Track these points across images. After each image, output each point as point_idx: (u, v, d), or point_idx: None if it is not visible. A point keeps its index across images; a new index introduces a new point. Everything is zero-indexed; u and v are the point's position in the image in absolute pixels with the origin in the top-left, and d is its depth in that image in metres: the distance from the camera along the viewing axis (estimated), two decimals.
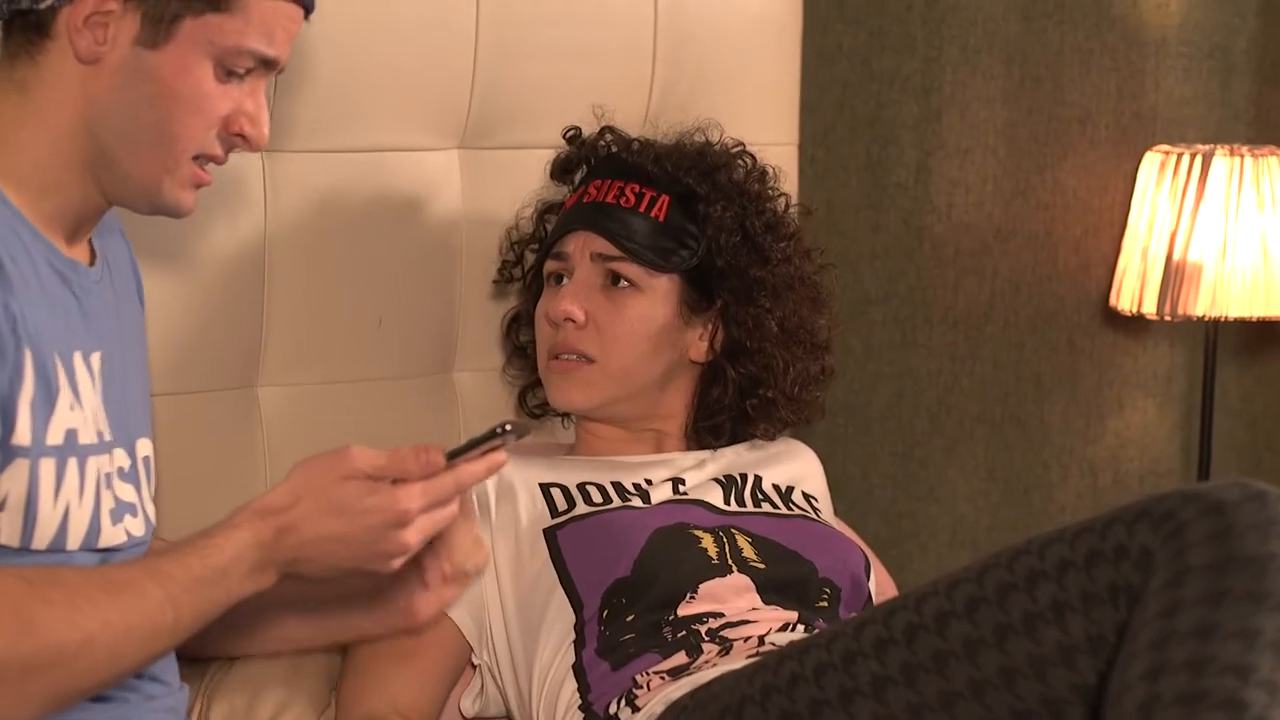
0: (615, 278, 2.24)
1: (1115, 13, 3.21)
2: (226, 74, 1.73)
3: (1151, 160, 3.07)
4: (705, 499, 2.22)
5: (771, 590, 2.13)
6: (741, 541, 2.16)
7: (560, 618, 2.09)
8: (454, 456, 1.72)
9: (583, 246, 2.25)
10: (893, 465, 3.23)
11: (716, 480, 2.26)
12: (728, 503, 2.23)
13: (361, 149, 2.36)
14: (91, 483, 1.69)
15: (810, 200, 2.80)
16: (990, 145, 3.18)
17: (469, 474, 1.73)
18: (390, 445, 2.29)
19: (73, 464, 1.67)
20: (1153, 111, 3.24)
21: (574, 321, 2.23)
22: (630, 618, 2.08)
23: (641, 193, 2.27)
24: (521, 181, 2.44)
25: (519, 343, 2.41)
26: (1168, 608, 1.69)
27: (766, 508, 2.26)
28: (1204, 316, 2.99)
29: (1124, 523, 1.77)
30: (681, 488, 2.24)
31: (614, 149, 2.33)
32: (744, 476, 2.28)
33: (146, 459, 1.80)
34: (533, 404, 2.41)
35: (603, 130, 2.36)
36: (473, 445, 1.72)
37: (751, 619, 2.08)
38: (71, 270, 1.71)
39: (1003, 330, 3.23)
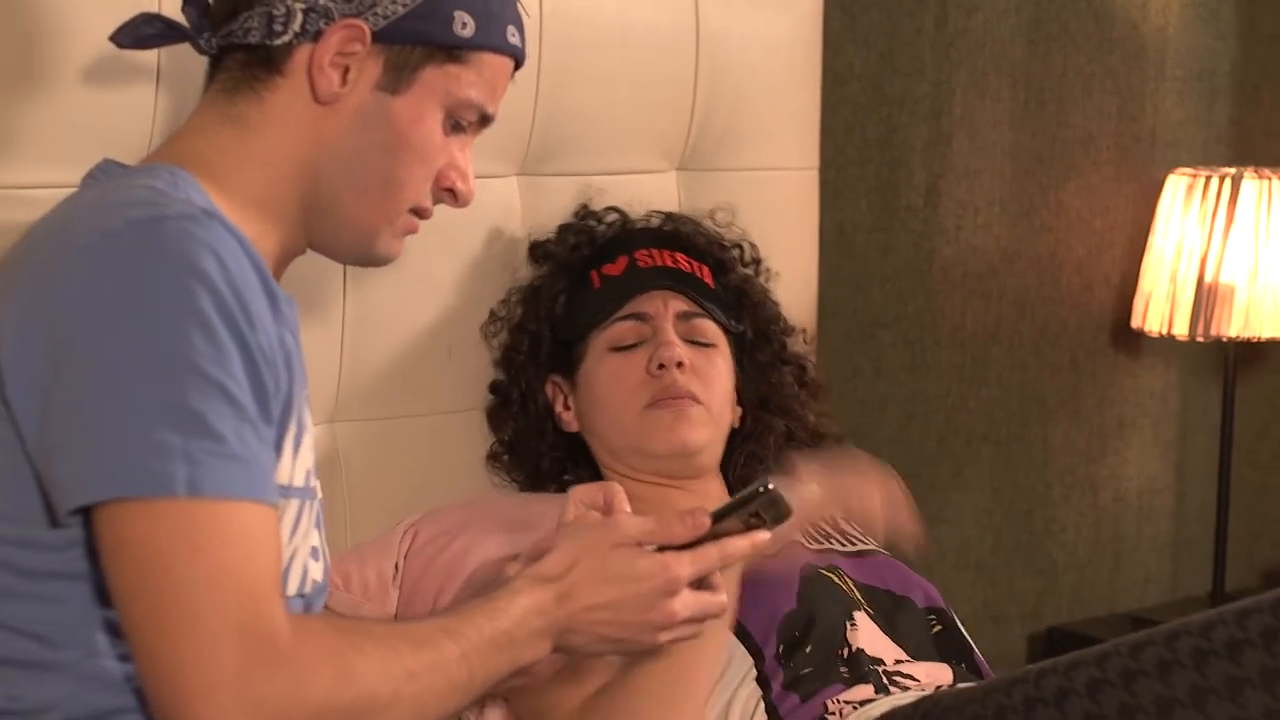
0: (691, 339, 2.28)
1: (1116, 35, 3.24)
2: (452, 126, 1.72)
3: (1176, 183, 3.10)
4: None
5: (888, 624, 2.15)
6: (845, 576, 2.18)
7: (741, 667, 2.08)
8: (717, 517, 1.71)
9: (664, 305, 2.28)
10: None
11: None
12: (812, 542, 2.26)
13: None
14: (307, 525, 1.66)
15: (822, 223, 2.81)
16: (997, 167, 3.20)
17: (734, 549, 1.71)
18: (468, 480, 2.35)
19: (307, 506, 1.64)
20: (1151, 134, 3.28)
21: (682, 365, 2.24)
22: (808, 649, 2.09)
23: (690, 260, 2.33)
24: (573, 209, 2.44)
25: (535, 422, 2.35)
26: None
27: (836, 543, 2.28)
28: (1236, 337, 3.04)
29: None
30: None
31: (629, 222, 2.38)
32: None
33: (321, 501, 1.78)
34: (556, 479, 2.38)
35: (608, 209, 2.40)
36: (735, 505, 1.71)
37: (911, 673, 2.10)
38: (289, 307, 1.67)
39: (1008, 351, 3.26)
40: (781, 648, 2.08)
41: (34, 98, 1.98)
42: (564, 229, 2.38)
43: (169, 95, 2.05)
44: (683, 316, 2.28)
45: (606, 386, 2.27)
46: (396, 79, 1.68)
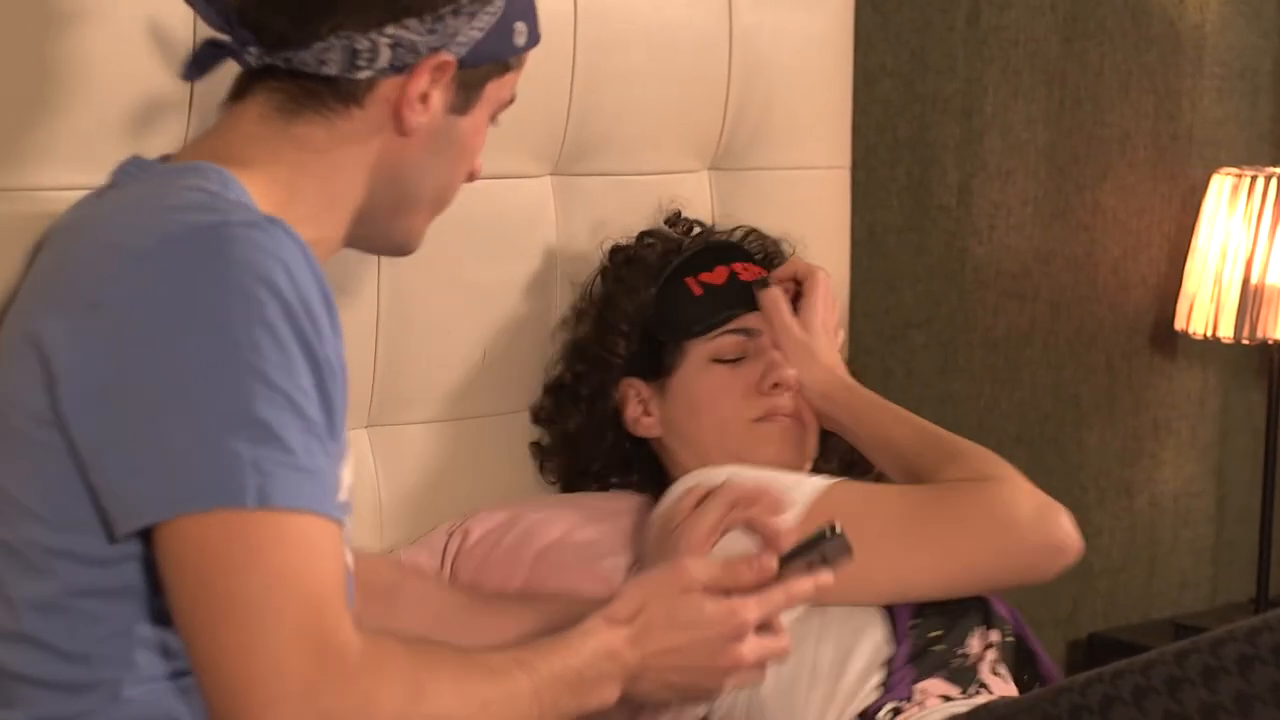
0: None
1: (1153, 33, 3.21)
2: (490, 122, 1.75)
3: (1220, 183, 3.06)
4: None
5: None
6: None
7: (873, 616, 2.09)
8: (784, 560, 1.71)
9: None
10: None
11: None
12: None
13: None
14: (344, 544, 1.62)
15: (853, 222, 2.78)
16: (1031, 167, 3.16)
17: (799, 591, 1.71)
18: (501, 485, 2.32)
19: (346, 526, 1.61)
20: (1189, 133, 3.24)
21: (791, 388, 2.27)
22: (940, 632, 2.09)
23: (759, 273, 2.35)
24: (610, 209, 2.41)
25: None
26: None
27: None
28: None
29: None
30: None
31: (718, 235, 2.39)
32: None
33: None
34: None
35: (693, 221, 2.42)
36: (801, 548, 1.72)
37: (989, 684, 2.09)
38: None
39: (1042, 353, 3.22)
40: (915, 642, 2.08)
41: (61, 97, 1.94)
42: (647, 234, 2.38)
43: (202, 95, 2.01)
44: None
45: (712, 396, 2.27)
46: (466, 99, 1.70)
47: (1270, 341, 3.03)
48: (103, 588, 1.52)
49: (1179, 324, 3.13)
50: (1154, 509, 3.34)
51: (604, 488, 2.34)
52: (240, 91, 1.69)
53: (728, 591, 1.69)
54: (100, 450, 1.49)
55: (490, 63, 1.69)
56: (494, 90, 1.71)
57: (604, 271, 2.37)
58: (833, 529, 1.70)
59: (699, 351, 2.28)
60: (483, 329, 2.33)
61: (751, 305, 2.29)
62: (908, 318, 3.13)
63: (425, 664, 1.51)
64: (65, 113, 1.93)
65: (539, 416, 2.36)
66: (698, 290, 2.30)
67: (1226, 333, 3.04)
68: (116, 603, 1.52)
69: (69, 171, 1.90)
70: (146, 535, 1.50)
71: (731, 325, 2.28)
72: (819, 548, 1.71)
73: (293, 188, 1.65)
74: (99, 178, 1.68)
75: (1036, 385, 3.23)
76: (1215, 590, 3.43)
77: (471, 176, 1.76)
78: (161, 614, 1.52)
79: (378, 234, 1.72)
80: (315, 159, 1.66)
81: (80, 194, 1.70)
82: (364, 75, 1.64)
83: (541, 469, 2.37)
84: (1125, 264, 3.24)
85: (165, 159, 1.70)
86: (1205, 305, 3.05)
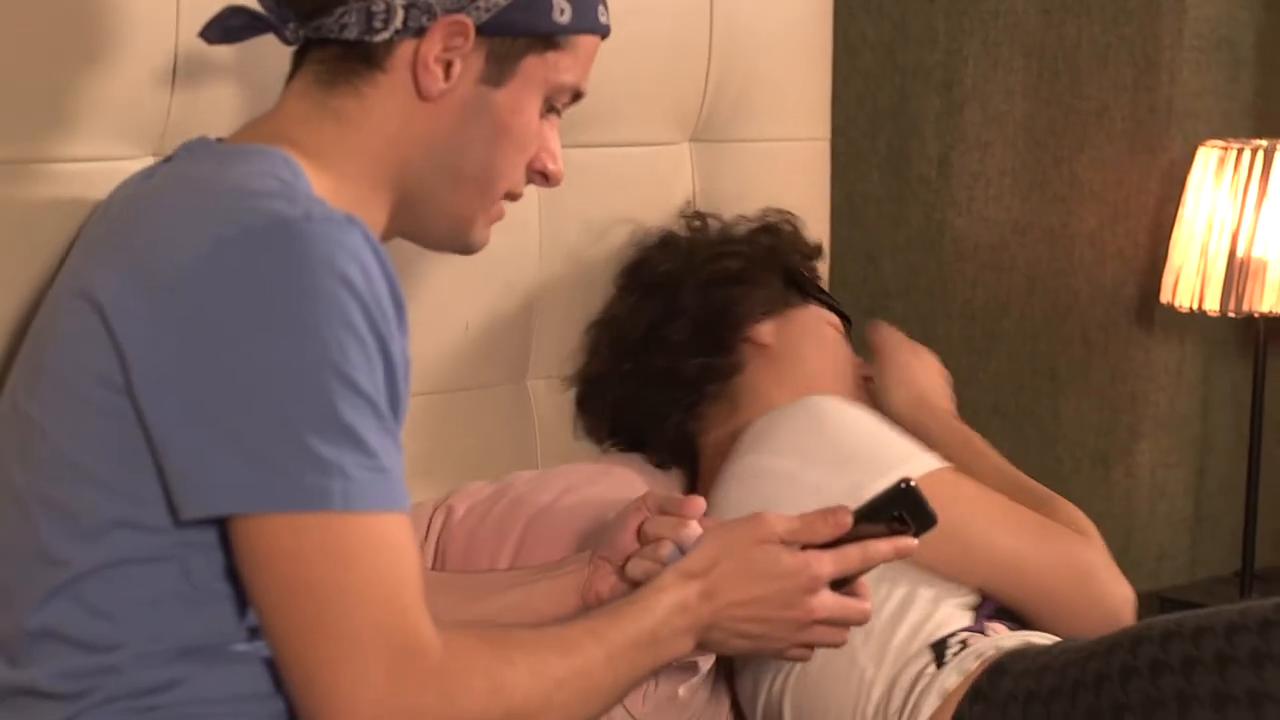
0: None
1: (1132, 6, 3.20)
2: (547, 110, 1.72)
3: (1207, 155, 3.06)
4: None
5: None
6: None
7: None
8: (859, 517, 1.72)
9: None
10: None
11: None
12: None
13: None
14: None
15: (833, 194, 2.78)
16: (1010, 138, 3.16)
17: (876, 552, 1.73)
18: (490, 458, 2.32)
19: None
20: (1168, 105, 3.24)
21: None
22: None
23: None
24: (592, 180, 2.40)
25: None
26: None
27: None
28: (1269, 313, 3.01)
29: None
30: None
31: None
32: None
33: None
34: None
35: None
36: (876, 504, 1.73)
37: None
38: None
39: (1019, 324, 3.22)
40: None
41: (96, 69, 1.92)
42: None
43: (243, 67, 2.00)
44: None
45: (831, 348, 2.40)
46: (499, 71, 1.68)
47: (1256, 314, 3.03)
48: (149, 556, 1.54)
49: (1164, 297, 3.12)
50: (1130, 480, 3.34)
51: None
52: (291, 72, 1.71)
53: (804, 546, 1.71)
54: (174, 432, 1.50)
55: (524, 35, 1.68)
56: (535, 68, 1.69)
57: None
58: (906, 483, 1.71)
59: (820, 313, 2.42)
60: (468, 302, 2.32)
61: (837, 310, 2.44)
62: (887, 288, 3.13)
63: (502, 655, 1.54)
64: (104, 82, 1.92)
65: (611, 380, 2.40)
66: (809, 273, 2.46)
67: (1213, 306, 3.03)
68: (157, 567, 1.54)
69: (107, 143, 1.91)
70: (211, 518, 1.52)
71: (835, 316, 2.45)
72: (894, 503, 1.72)
73: (339, 172, 1.66)
74: (137, 150, 1.67)
75: (1014, 356, 3.23)
76: (1194, 563, 3.43)
77: (544, 175, 1.74)
78: (194, 580, 1.54)
79: (429, 220, 1.71)
80: (352, 134, 1.66)
81: (120, 165, 1.70)
82: (382, 38, 1.64)
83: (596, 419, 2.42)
84: (1102, 236, 3.24)
85: (221, 141, 1.70)
86: (1191, 278, 3.05)
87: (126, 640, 1.55)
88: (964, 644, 2.05)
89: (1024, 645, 2.04)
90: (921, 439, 2.23)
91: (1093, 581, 2.12)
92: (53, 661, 1.56)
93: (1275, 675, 1.81)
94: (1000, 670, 1.97)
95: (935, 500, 1.73)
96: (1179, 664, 1.84)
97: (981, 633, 2.08)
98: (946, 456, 2.18)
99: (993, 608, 2.14)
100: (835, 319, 2.43)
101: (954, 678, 1.99)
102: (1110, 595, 2.12)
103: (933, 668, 2.02)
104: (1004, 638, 2.06)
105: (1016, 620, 2.14)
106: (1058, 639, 2.06)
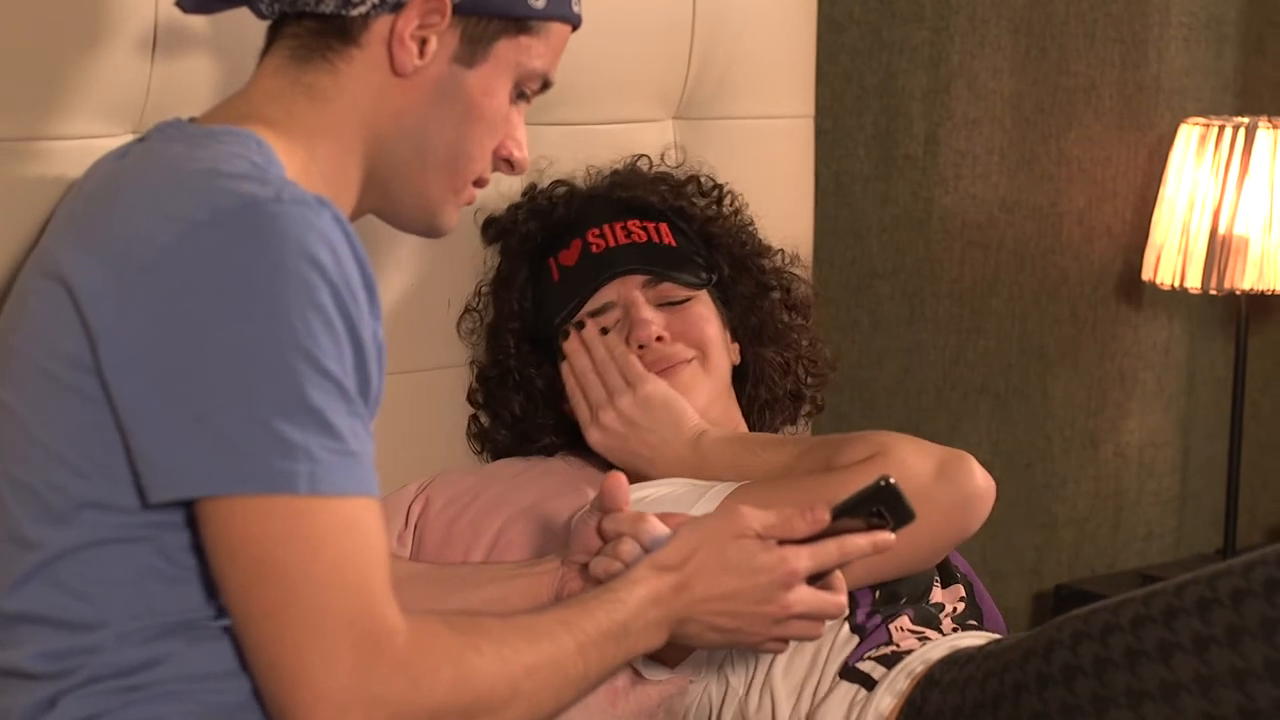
0: (663, 302, 2.26)
1: None
2: (517, 96, 1.73)
3: (1188, 133, 3.05)
4: None
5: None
6: None
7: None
8: (837, 514, 1.72)
9: (623, 289, 2.25)
10: None
11: None
12: None
13: None
14: None
15: (819, 172, 2.77)
16: (997, 116, 3.15)
17: (854, 547, 1.73)
18: (451, 439, 2.30)
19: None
20: (1155, 82, 3.23)
21: (661, 339, 2.23)
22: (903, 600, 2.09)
23: (644, 225, 2.29)
24: (575, 158, 2.39)
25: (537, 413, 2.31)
26: None
27: None
28: (1250, 290, 3.00)
29: None
30: None
31: (577, 198, 2.32)
32: None
33: None
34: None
35: (555, 184, 2.35)
36: (854, 501, 1.72)
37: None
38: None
39: (1007, 303, 3.21)
40: (878, 593, 2.08)
41: (77, 45, 1.91)
42: (514, 208, 2.34)
43: (222, 41, 1.99)
44: (647, 285, 2.26)
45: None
46: (473, 52, 1.68)
47: (1238, 292, 3.02)
48: (123, 536, 1.53)
49: (1146, 274, 3.12)
50: (1119, 459, 3.33)
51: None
52: (265, 48, 1.71)
53: (781, 541, 1.71)
54: (141, 414, 1.50)
55: (498, 17, 1.68)
56: (508, 51, 1.69)
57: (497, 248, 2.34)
58: (885, 480, 1.70)
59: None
60: (449, 279, 2.32)
61: (605, 279, 2.25)
62: (874, 267, 3.12)
63: (470, 643, 1.53)
64: (85, 58, 1.91)
65: (476, 401, 2.34)
66: (556, 276, 2.28)
67: (1194, 283, 3.03)
68: (132, 547, 1.53)
69: (89, 121, 1.90)
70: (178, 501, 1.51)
71: (590, 306, 2.26)
72: (872, 500, 1.71)
73: (310, 149, 1.65)
74: (117, 127, 1.66)
75: (1002, 335, 3.22)
76: (1180, 541, 3.43)
77: (509, 163, 1.75)
78: (170, 557, 1.54)
79: (397, 200, 1.71)
80: (326, 110, 1.66)
81: (100, 144, 1.69)
82: (359, 11, 1.65)
83: (481, 451, 2.35)
84: (1090, 214, 3.23)
85: (193, 121, 1.70)
86: (1173, 256, 3.05)
87: (107, 619, 1.54)
88: (886, 660, 1.98)
89: (952, 652, 1.96)
90: (711, 475, 2.13)
91: (891, 457, 1.99)
92: (33, 643, 1.55)
93: (1184, 664, 1.77)
94: (931, 683, 1.92)
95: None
96: (1091, 666, 1.80)
97: (890, 641, 2.02)
98: (748, 465, 2.11)
99: (871, 600, 2.06)
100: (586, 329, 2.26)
101: (888, 700, 1.94)
102: (940, 487, 2.01)
103: (863, 693, 1.96)
104: (932, 647, 1.99)
105: (916, 613, 2.07)
106: (987, 639, 1.98)
